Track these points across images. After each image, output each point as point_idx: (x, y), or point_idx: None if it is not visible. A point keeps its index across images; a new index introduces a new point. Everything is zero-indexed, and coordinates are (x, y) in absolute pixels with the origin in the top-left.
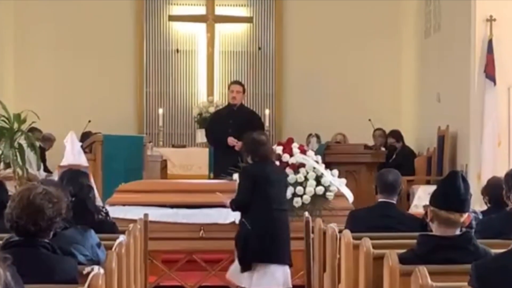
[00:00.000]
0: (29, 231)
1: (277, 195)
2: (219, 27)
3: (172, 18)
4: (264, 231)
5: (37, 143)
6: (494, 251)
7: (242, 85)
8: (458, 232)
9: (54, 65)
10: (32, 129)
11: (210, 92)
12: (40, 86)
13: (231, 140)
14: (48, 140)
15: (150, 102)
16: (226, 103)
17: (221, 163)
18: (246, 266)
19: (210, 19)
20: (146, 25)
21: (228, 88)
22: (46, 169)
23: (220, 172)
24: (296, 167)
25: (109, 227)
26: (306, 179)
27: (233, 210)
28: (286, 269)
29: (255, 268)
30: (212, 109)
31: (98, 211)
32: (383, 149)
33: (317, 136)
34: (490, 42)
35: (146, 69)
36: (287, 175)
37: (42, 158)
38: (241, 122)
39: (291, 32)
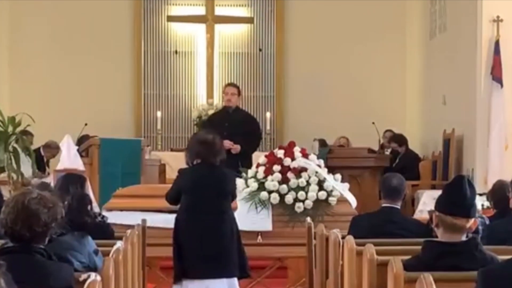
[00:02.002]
0: (24, 237)
1: (207, 203)
2: (219, 28)
3: (171, 18)
4: (187, 246)
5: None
6: (501, 257)
7: (237, 87)
8: (464, 238)
9: (49, 67)
10: (24, 132)
11: (210, 94)
12: (36, 88)
13: (227, 143)
14: (48, 148)
15: (148, 105)
16: None
17: None
18: (176, 279)
19: (210, 19)
20: (144, 25)
21: (223, 91)
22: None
23: None
24: (298, 172)
25: (105, 232)
26: (308, 183)
27: None
28: (222, 282)
29: (185, 284)
30: (211, 112)
31: (95, 216)
32: (387, 152)
33: (321, 142)
34: (497, 43)
35: (144, 71)
36: (229, 182)
37: (40, 163)
38: (237, 125)
39: (293, 33)
